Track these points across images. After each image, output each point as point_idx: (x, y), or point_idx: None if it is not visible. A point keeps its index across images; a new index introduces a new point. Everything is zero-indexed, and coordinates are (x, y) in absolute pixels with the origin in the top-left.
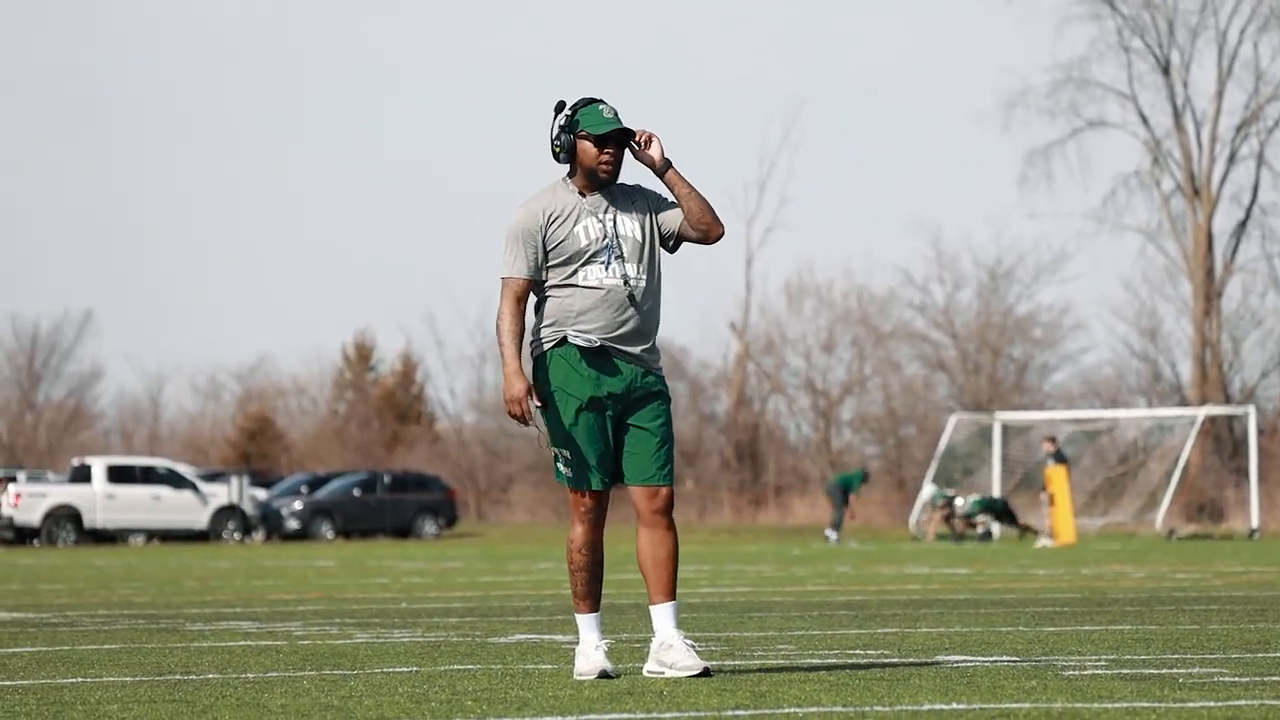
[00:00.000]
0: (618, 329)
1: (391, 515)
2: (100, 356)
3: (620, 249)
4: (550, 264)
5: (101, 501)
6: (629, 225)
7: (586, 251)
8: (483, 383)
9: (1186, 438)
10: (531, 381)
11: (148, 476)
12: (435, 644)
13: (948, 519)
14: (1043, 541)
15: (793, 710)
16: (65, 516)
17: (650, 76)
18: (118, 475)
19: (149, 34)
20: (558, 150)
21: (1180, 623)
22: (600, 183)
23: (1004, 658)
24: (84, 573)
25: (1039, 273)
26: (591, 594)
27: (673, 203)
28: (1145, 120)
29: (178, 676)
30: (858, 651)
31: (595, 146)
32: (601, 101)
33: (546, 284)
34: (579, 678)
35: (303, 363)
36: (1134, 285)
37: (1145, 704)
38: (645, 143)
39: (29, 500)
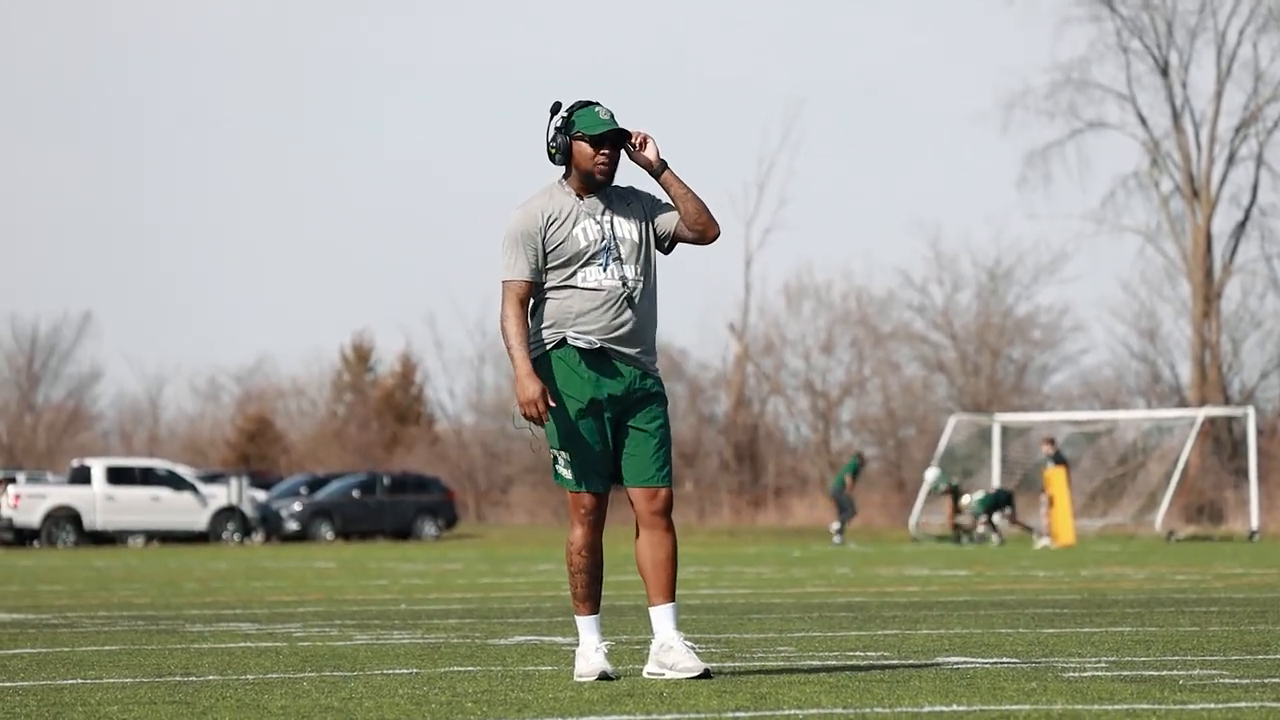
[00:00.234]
0: (616, 330)
1: (391, 517)
2: (100, 358)
3: (618, 251)
4: (549, 266)
5: (101, 503)
6: (626, 227)
7: (585, 253)
8: (482, 384)
9: (1186, 439)
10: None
11: (147, 478)
12: (435, 645)
13: (954, 519)
14: (1042, 542)
15: (793, 712)
16: (65, 518)
17: (650, 76)
18: (117, 476)
19: (149, 34)
20: (554, 152)
21: (1180, 624)
22: (596, 184)
23: (1004, 659)
24: (84, 574)
25: (1038, 274)
26: (591, 596)
27: (668, 204)
28: (1144, 121)
29: (178, 678)
30: (858, 653)
31: (591, 147)
32: (597, 104)
33: (545, 286)
34: (579, 679)
35: (302, 364)
36: (1133, 286)
37: (1145, 706)
38: (640, 144)
39: (28, 501)
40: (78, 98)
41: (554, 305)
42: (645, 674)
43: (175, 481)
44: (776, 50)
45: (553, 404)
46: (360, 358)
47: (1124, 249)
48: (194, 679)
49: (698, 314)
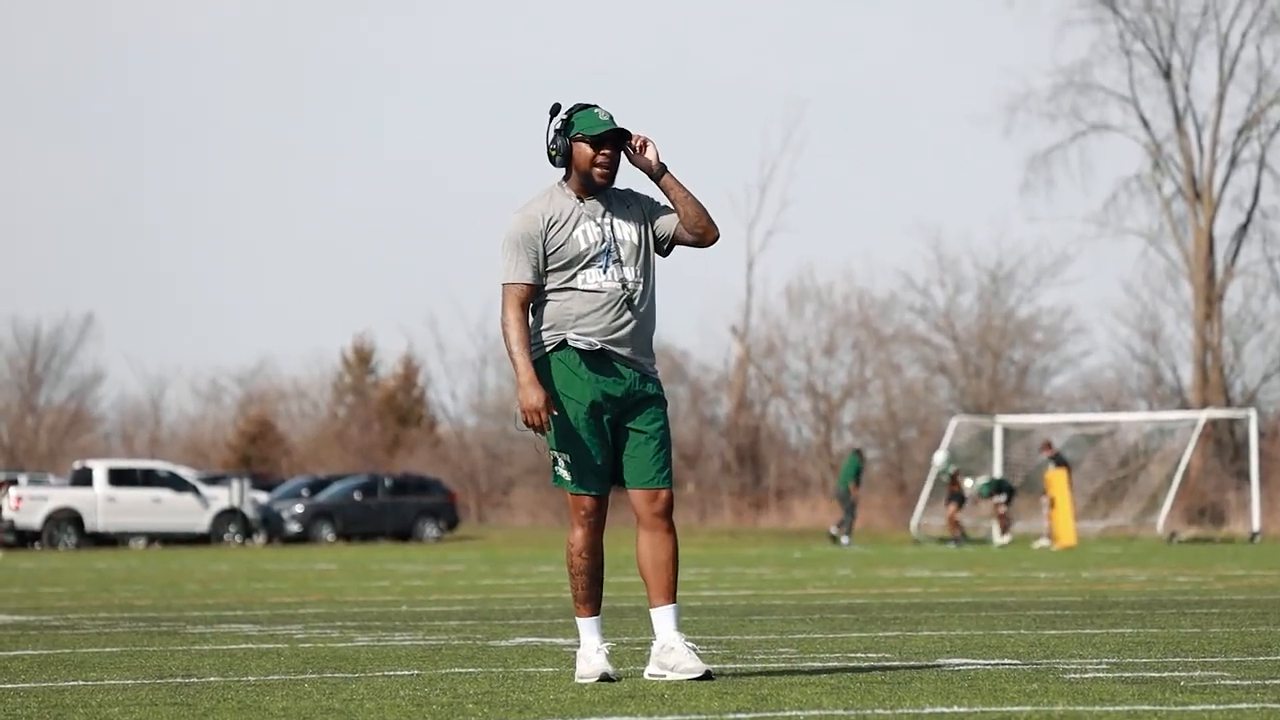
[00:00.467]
0: (616, 332)
1: (392, 518)
2: (101, 360)
3: (618, 253)
4: (549, 268)
5: (102, 504)
6: (626, 229)
7: (585, 255)
8: (484, 386)
9: (1187, 441)
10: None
11: (149, 479)
12: (436, 647)
13: (954, 520)
14: (1042, 543)
15: (794, 713)
16: (66, 519)
17: (650, 77)
18: (119, 478)
19: (149, 35)
20: (554, 154)
21: (1181, 626)
22: (596, 186)
23: (1005, 661)
24: (85, 575)
25: (1040, 276)
26: (592, 597)
27: (667, 206)
28: (1146, 124)
29: (179, 679)
30: (859, 654)
31: (591, 148)
32: (595, 105)
33: (545, 288)
34: (580, 681)
35: (304, 366)
36: (1135, 288)
37: (1146, 707)
38: (641, 147)
39: (30, 503)
40: (78, 98)
41: (554, 307)
42: (646, 675)
43: (177, 483)
44: (777, 52)
45: (555, 412)
46: (361, 359)
47: (1126, 251)
48: (195, 680)
49: (699, 316)
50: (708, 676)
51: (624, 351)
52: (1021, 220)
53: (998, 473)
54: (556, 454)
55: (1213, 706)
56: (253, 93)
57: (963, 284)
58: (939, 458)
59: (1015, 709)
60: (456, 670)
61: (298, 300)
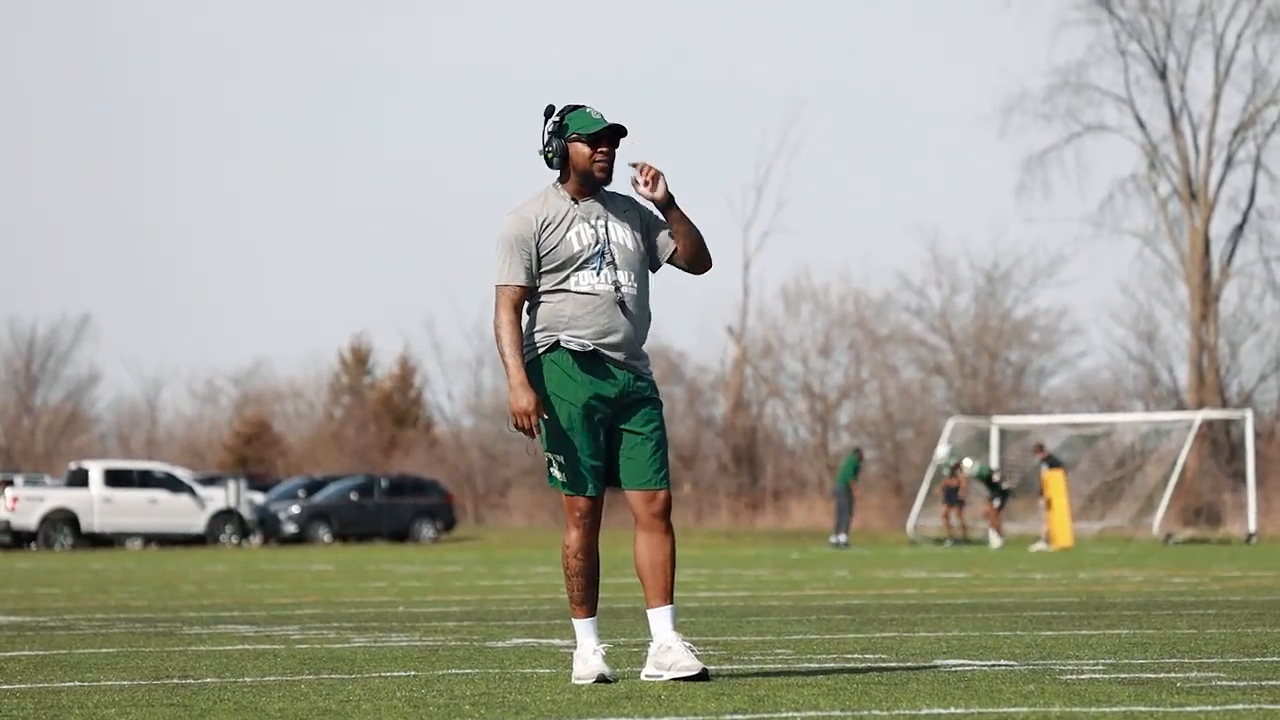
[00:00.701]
0: (609, 335)
1: (389, 519)
2: (97, 360)
3: (613, 255)
4: (542, 270)
5: (99, 505)
6: (622, 233)
7: (579, 257)
8: (480, 387)
9: (1183, 442)
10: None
11: (145, 480)
12: (433, 648)
13: (948, 521)
14: (1039, 545)
15: (791, 714)
16: (62, 520)
17: (649, 78)
18: (115, 479)
19: (147, 35)
20: (550, 155)
21: (1178, 627)
22: (595, 184)
23: (1002, 662)
24: (81, 576)
25: (1036, 276)
26: (588, 598)
27: (663, 223)
28: (1142, 124)
29: (175, 680)
30: (856, 656)
31: (589, 146)
32: (586, 105)
33: (539, 289)
34: (577, 682)
35: (300, 366)
36: (1131, 289)
37: (1143, 708)
38: (651, 180)
39: (26, 504)
40: (76, 99)
41: (547, 309)
42: (643, 676)
43: (173, 484)
44: (775, 53)
45: (545, 416)
46: (358, 360)
47: (1122, 252)
48: (192, 681)
49: (696, 317)
50: (704, 676)
51: (617, 354)
52: (1017, 221)
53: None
54: (551, 456)
55: (1209, 707)
56: (250, 93)
57: (959, 285)
58: (941, 451)
59: (1012, 710)
60: (453, 671)
61: (294, 301)
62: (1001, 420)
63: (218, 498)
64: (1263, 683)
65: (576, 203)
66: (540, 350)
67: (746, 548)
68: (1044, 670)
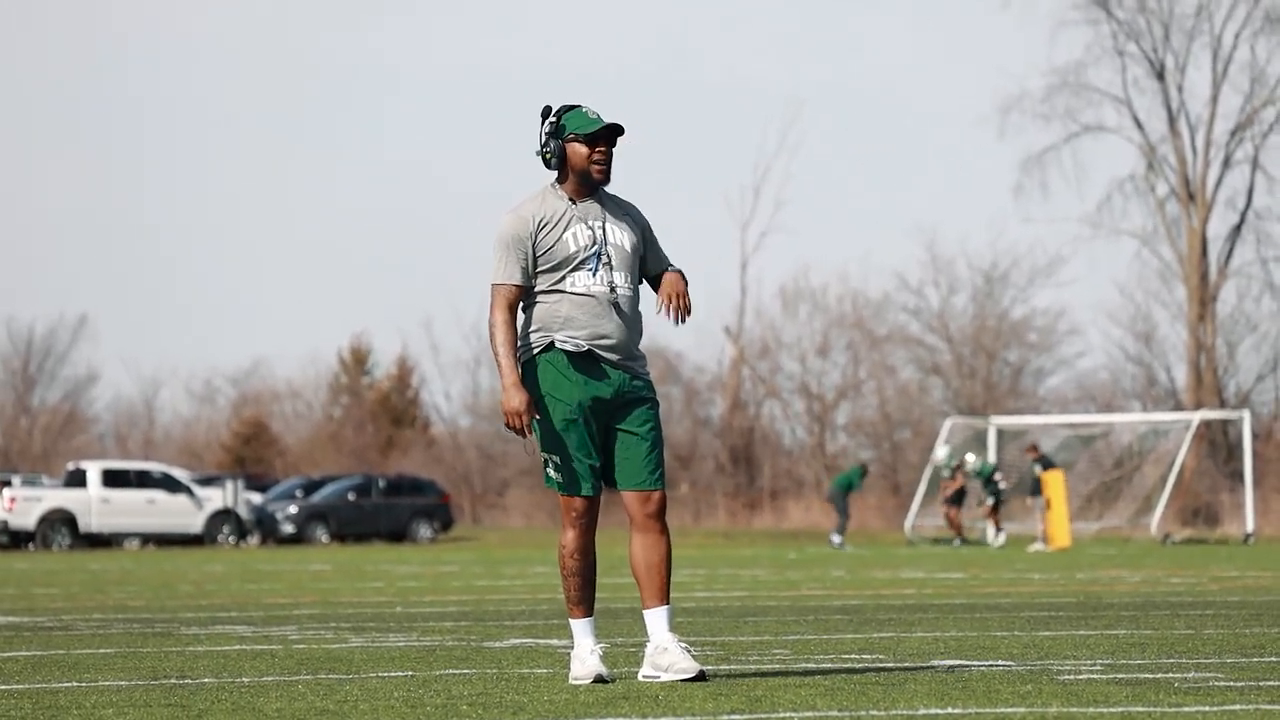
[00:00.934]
0: (605, 336)
1: (386, 519)
2: (95, 360)
3: (609, 257)
4: (538, 270)
5: (96, 505)
6: (619, 235)
7: (575, 258)
8: (478, 387)
9: (1181, 442)
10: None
11: (143, 480)
12: (430, 648)
13: (955, 520)
14: (1036, 545)
15: (788, 715)
16: (60, 520)
17: (649, 78)
18: (113, 479)
19: (146, 35)
20: (548, 156)
21: (1175, 627)
22: (593, 184)
23: (999, 662)
24: (79, 577)
25: (1034, 277)
26: (585, 599)
27: (655, 242)
28: (1140, 125)
29: (173, 680)
30: (853, 656)
31: (586, 147)
32: (582, 105)
33: (535, 290)
34: (574, 682)
35: (298, 367)
36: (1129, 290)
37: (1140, 709)
38: (683, 311)
39: (24, 504)
40: (75, 99)
41: (542, 310)
42: (640, 677)
43: (171, 484)
44: (774, 53)
45: (537, 416)
46: (358, 361)
47: (1120, 252)
48: (189, 681)
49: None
50: (702, 677)
51: (612, 355)
52: (1016, 221)
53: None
54: (547, 456)
55: (1207, 708)
56: (249, 93)
57: (957, 285)
58: (940, 453)
59: (1009, 710)
60: (451, 671)
61: (291, 301)
62: (999, 420)
63: (215, 498)
64: (1260, 683)
65: (574, 203)
66: (535, 350)
67: (744, 548)
68: (1041, 670)
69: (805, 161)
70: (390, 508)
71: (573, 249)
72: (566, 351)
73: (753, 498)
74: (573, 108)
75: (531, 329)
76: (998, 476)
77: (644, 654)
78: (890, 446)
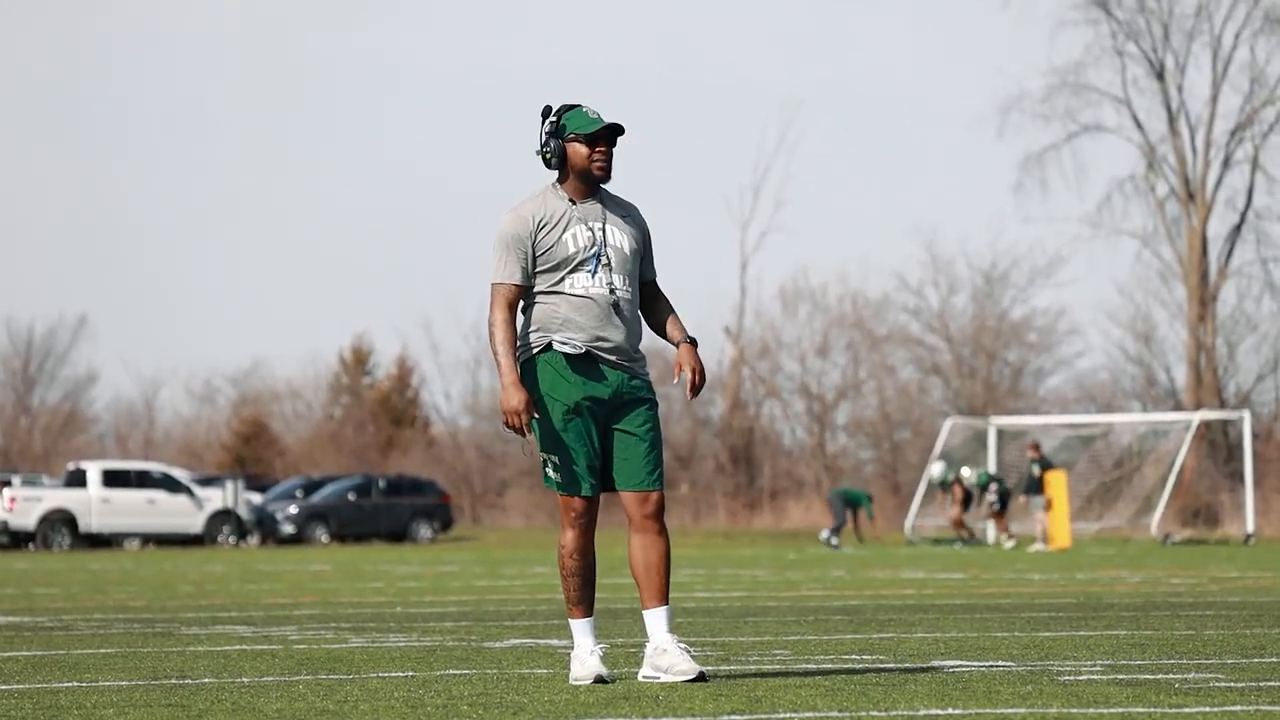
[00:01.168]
0: (603, 338)
1: (386, 519)
2: (95, 361)
3: (608, 258)
4: (537, 270)
5: (97, 505)
6: (619, 237)
7: (574, 259)
8: (478, 387)
9: (1181, 442)
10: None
11: (143, 481)
12: (430, 648)
13: (959, 519)
14: (1037, 546)
15: (788, 715)
16: (60, 520)
17: (648, 78)
18: (113, 479)
19: (145, 36)
20: (548, 156)
21: (1176, 628)
22: (595, 183)
23: (1000, 663)
24: (79, 577)
25: (1034, 277)
26: (584, 599)
27: (650, 254)
28: (1140, 125)
29: (173, 680)
30: (853, 656)
31: (587, 146)
32: (582, 105)
33: (534, 290)
34: (574, 683)
35: (298, 367)
36: (1129, 290)
37: (1141, 709)
38: (695, 384)
39: (24, 504)
40: (74, 99)
41: (541, 310)
42: (640, 677)
43: (171, 484)
44: (774, 53)
45: (536, 415)
46: (358, 361)
47: (1120, 253)
48: (189, 682)
49: (693, 317)
50: (701, 678)
51: (611, 356)
52: (1015, 221)
53: (992, 471)
54: (546, 456)
55: (1207, 709)
56: (249, 93)
57: (957, 285)
58: (936, 469)
59: (1009, 711)
60: (451, 672)
61: (291, 301)
62: (999, 420)
63: (215, 498)
64: (1260, 684)
65: (575, 204)
66: (534, 350)
67: (744, 548)
68: (1042, 671)
69: (805, 161)
70: (390, 508)
71: (572, 250)
72: (565, 353)
73: (752, 498)
74: (573, 107)
75: (531, 329)
76: (993, 489)
77: (644, 654)
78: (890, 446)
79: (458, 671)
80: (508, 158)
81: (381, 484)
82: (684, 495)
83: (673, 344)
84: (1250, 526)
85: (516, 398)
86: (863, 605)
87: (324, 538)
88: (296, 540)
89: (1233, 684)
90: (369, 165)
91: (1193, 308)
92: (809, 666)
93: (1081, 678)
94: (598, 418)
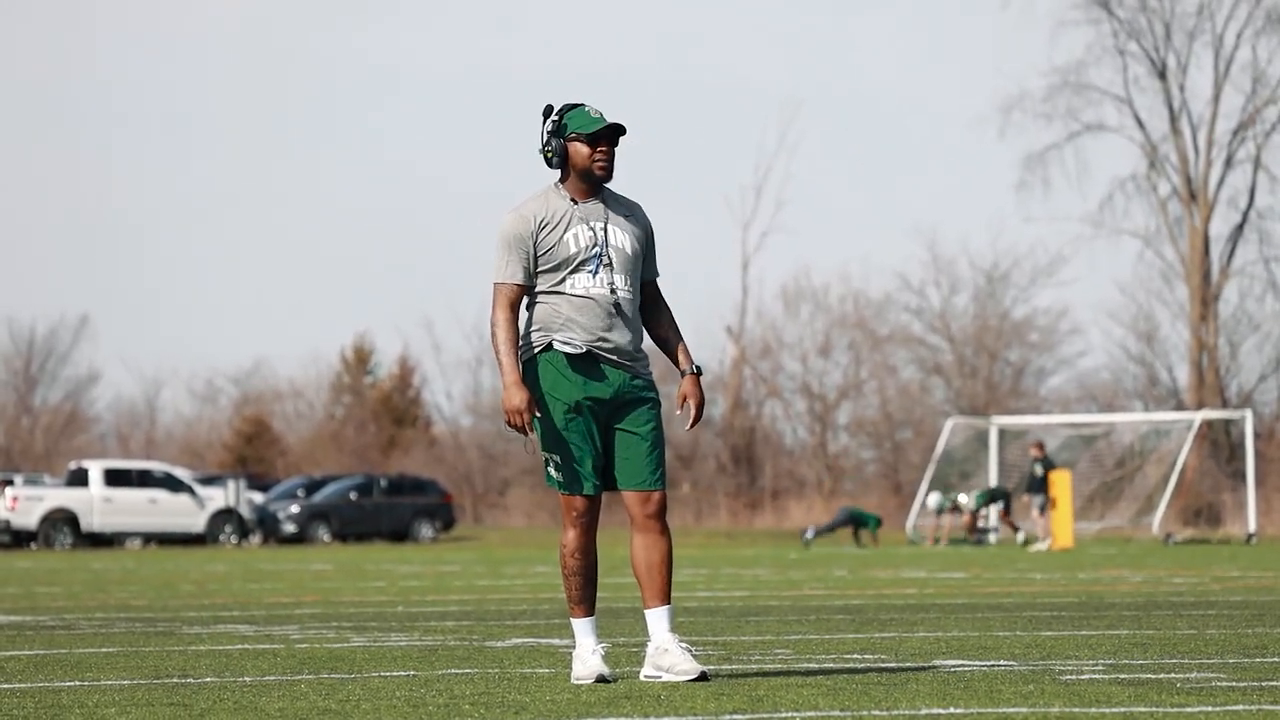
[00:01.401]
0: (604, 338)
1: (388, 519)
2: (97, 360)
3: (610, 258)
4: (539, 270)
5: (98, 505)
6: (620, 237)
7: (575, 259)
8: (479, 386)
9: (1183, 442)
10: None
11: (144, 480)
12: (432, 648)
13: (971, 526)
14: (1038, 545)
15: (790, 715)
16: (62, 520)
17: (648, 78)
18: (114, 479)
19: (145, 36)
20: (549, 155)
21: (1178, 627)
22: (596, 182)
23: (1001, 662)
24: (81, 576)
25: (1035, 277)
26: (586, 598)
27: (653, 253)
28: (1142, 124)
29: (175, 680)
30: (855, 656)
31: (588, 145)
32: (584, 104)
33: (535, 290)
34: (576, 682)
35: (299, 366)
36: (1130, 289)
37: (1142, 709)
38: (696, 418)
39: (26, 504)
40: (75, 99)
41: (543, 310)
42: (642, 677)
43: (172, 484)
44: (774, 53)
45: (538, 414)
46: (360, 360)
47: (1121, 252)
48: (191, 681)
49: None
50: (703, 678)
51: (612, 356)
52: (1017, 221)
53: (992, 478)
54: (547, 455)
55: (1209, 708)
56: (249, 93)
57: (958, 285)
58: (932, 501)
59: (1011, 710)
60: (453, 671)
61: (293, 301)
62: (1001, 420)
63: (217, 497)
64: (1263, 683)
65: (577, 204)
66: (535, 350)
67: (745, 547)
68: (1043, 670)
69: (806, 161)
70: (392, 507)
71: (573, 250)
72: (566, 353)
73: (754, 497)
74: (575, 106)
75: (532, 329)
76: (990, 509)
77: (645, 654)
78: (892, 446)
79: (459, 671)
80: (508, 158)
81: (383, 483)
82: (686, 495)
83: (678, 370)
84: (1252, 526)
85: (519, 397)
86: (864, 605)
87: (326, 537)
88: (298, 540)
89: (1235, 684)
90: (369, 165)
91: (1195, 307)
92: (811, 666)
93: (1083, 677)
94: (599, 417)
